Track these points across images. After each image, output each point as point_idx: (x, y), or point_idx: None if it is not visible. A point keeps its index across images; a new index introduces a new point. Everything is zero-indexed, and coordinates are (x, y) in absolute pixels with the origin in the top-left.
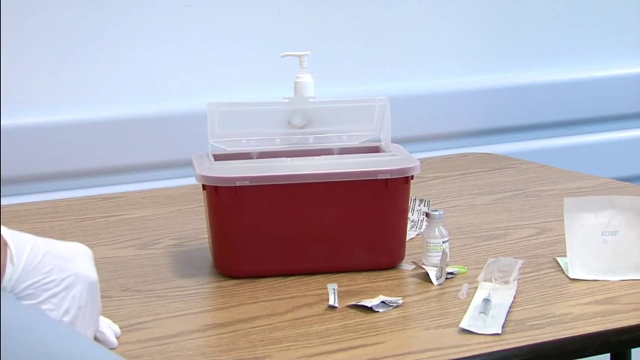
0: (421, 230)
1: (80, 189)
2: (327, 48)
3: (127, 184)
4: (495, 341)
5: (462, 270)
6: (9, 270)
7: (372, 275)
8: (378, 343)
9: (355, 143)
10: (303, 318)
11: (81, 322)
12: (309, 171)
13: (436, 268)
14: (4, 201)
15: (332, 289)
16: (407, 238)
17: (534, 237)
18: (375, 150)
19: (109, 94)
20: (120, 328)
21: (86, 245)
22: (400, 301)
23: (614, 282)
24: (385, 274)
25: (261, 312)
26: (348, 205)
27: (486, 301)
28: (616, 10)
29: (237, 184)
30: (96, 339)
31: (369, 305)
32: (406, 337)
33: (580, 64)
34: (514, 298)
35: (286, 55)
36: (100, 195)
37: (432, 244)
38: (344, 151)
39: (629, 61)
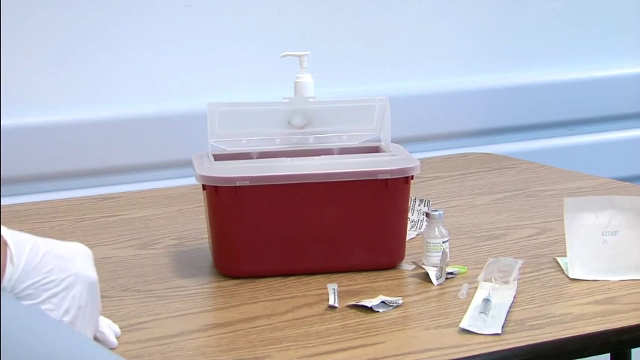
0: (421, 230)
1: (80, 189)
2: (327, 48)
3: (127, 184)
4: (495, 341)
5: (462, 270)
6: (9, 270)
7: (372, 275)
8: (378, 343)
9: (355, 143)
10: (303, 318)
11: (81, 322)
12: (309, 171)
13: (436, 268)
14: (4, 201)
15: (332, 289)
16: (407, 238)
17: (534, 237)
18: (375, 150)
19: (109, 94)
20: (120, 328)
21: (86, 245)
22: (400, 301)
23: (614, 282)
24: (385, 274)
25: (261, 312)
26: (348, 205)
27: (486, 301)
28: (616, 10)
29: (237, 184)
30: (96, 339)
31: (369, 305)
32: (406, 337)
33: (580, 64)
34: (514, 298)
35: (286, 55)
36: (100, 195)
37: (432, 244)
38: (344, 151)
39: (629, 61)
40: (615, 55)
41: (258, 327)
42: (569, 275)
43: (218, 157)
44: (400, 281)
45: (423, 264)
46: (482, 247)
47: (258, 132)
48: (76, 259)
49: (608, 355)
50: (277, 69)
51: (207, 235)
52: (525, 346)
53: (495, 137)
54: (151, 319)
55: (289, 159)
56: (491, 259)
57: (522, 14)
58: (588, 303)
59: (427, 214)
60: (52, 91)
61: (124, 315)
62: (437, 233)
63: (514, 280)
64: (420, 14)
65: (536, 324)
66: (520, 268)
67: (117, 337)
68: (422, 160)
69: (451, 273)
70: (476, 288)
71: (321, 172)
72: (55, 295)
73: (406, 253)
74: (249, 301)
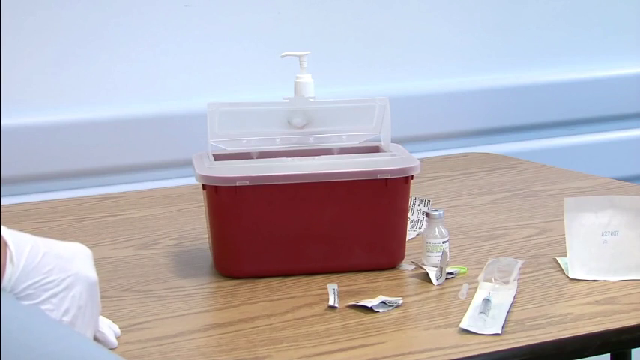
0: (421, 230)
1: (80, 189)
2: (327, 48)
3: (127, 184)
4: (495, 341)
5: (462, 270)
6: (9, 270)
7: (372, 275)
8: (378, 343)
9: (355, 143)
10: (303, 318)
11: (81, 322)
12: (309, 171)
13: (436, 268)
14: (4, 201)
15: (332, 289)
16: (407, 238)
17: (534, 237)
18: (375, 150)
19: (109, 94)
20: (120, 328)
21: (86, 245)
22: (400, 301)
23: (614, 282)
24: (385, 274)
25: (261, 312)
26: (348, 205)
27: (486, 301)
28: (616, 10)
29: (237, 184)
30: (96, 339)
31: (369, 305)
32: (406, 337)
33: (580, 64)
34: (514, 298)
35: (286, 55)
36: (100, 195)
37: (432, 244)
38: (344, 151)
39: (629, 61)
40: (615, 55)
41: (258, 327)
42: (569, 275)
43: (218, 157)
44: (400, 281)
45: (423, 264)
46: (482, 247)
47: (258, 132)
48: (76, 259)
49: (608, 355)
50: (277, 69)
51: (207, 235)
52: (525, 346)
53: (495, 137)
54: (151, 319)
55: (289, 159)
56: (491, 259)
57: (522, 14)
58: (588, 303)
59: (427, 214)
60: (52, 91)
61: (124, 315)
62: (437, 233)
63: (514, 280)
64: (420, 14)
65: (536, 324)
66: (520, 268)
67: (117, 337)
68: (422, 160)
69: (451, 273)
70: (476, 288)
71: (321, 172)
72: (55, 295)
73: (406, 253)
74: (249, 301)
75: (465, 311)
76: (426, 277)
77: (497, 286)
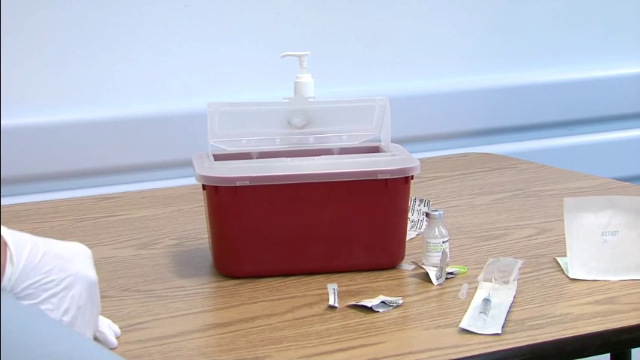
0: (421, 230)
1: (80, 189)
2: (327, 48)
3: (127, 184)
4: (495, 341)
5: (462, 270)
6: (8, 270)
7: (372, 275)
8: (378, 343)
9: (355, 143)
10: (303, 318)
11: (80, 322)
12: (309, 171)
13: (436, 268)
14: (4, 201)
15: (332, 289)
16: (407, 238)
17: (534, 237)
18: (375, 150)
19: (109, 94)
20: (120, 328)
21: (86, 245)
22: (400, 301)
23: (614, 282)
24: (385, 274)
25: (261, 312)
26: (348, 205)
27: (486, 301)
28: (616, 10)
29: (237, 184)
30: (96, 339)
31: (369, 305)
32: (406, 337)
33: (580, 64)
34: (514, 298)
35: (286, 55)
36: (100, 195)
37: (432, 244)
38: (344, 151)
39: (629, 61)
40: (615, 55)
41: (258, 327)
42: (569, 275)
43: (218, 157)
44: (400, 281)
45: (423, 264)
46: (482, 247)
47: (258, 132)
48: (75, 259)
49: (608, 355)
50: (277, 69)
51: (207, 235)
52: (525, 346)
53: (495, 137)
54: (151, 319)
55: (289, 159)
56: (491, 259)
57: (522, 14)
58: (588, 303)
59: (427, 214)
60: (52, 91)
61: (124, 315)
62: (437, 233)
63: (514, 280)
64: (420, 14)
65: (536, 324)
66: (520, 268)
67: (117, 337)
68: (422, 160)
69: (451, 273)
70: (476, 288)
71: (321, 172)
72: (54, 295)
73: (406, 253)
74: (249, 301)
75: (465, 311)
76: (426, 277)
77: (497, 286)
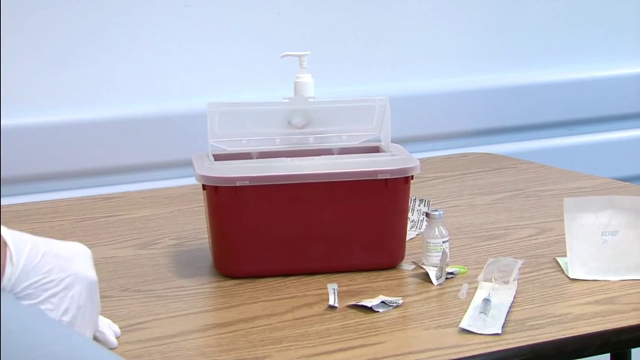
0: (421, 230)
1: (80, 189)
2: (327, 48)
3: (127, 184)
4: (495, 341)
5: (462, 270)
6: (8, 270)
7: (372, 275)
8: (378, 343)
9: (355, 143)
10: (303, 318)
11: (80, 321)
12: (309, 171)
13: (436, 268)
14: (4, 201)
15: (332, 289)
16: (407, 238)
17: (534, 237)
18: (375, 150)
19: (109, 94)
20: (120, 328)
21: (86, 245)
22: (400, 301)
23: (614, 282)
24: (385, 274)
25: (261, 312)
26: (348, 205)
27: (486, 301)
28: (616, 10)
29: (237, 184)
30: (96, 339)
31: (369, 305)
32: (406, 337)
33: (580, 64)
34: (514, 298)
35: (286, 55)
36: (100, 195)
37: (432, 244)
38: (344, 151)
39: (629, 61)
40: (615, 55)
41: (258, 327)
42: (569, 275)
43: (218, 157)
44: (400, 281)
45: (423, 264)
46: (482, 247)
47: (258, 132)
48: (75, 259)
49: (608, 355)
50: (277, 69)
51: (207, 235)
52: (525, 346)
53: (495, 137)
54: (151, 319)
55: (289, 159)
56: (491, 259)
57: (522, 14)
58: (588, 303)
59: (427, 214)
60: (52, 91)
61: (124, 315)
62: (437, 233)
63: (514, 280)
64: (420, 14)
65: (536, 324)
66: (520, 268)
67: (117, 337)
68: (422, 160)
69: (451, 273)
70: (476, 288)
71: (321, 172)
72: (54, 295)
73: (406, 253)
74: (249, 301)
75: (465, 311)
76: (426, 277)
77: (497, 286)
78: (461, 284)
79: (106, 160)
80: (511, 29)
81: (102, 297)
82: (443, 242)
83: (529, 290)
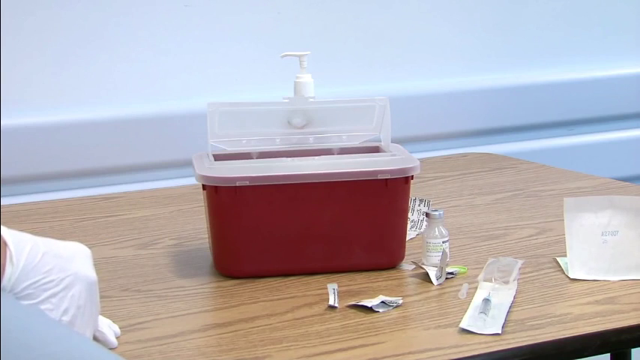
0: (421, 230)
1: (80, 189)
2: (327, 48)
3: (127, 184)
4: (495, 341)
5: (462, 270)
6: (8, 270)
7: (372, 275)
8: (378, 343)
9: (355, 143)
10: (303, 318)
11: (80, 321)
12: (309, 171)
13: (436, 268)
14: (4, 201)
15: (332, 289)
16: (407, 238)
17: (534, 237)
18: (375, 150)
19: (109, 94)
20: (120, 328)
21: (86, 245)
22: (400, 301)
23: (614, 282)
24: (385, 274)
25: (261, 312)
26: (348, 205)
27: (486, 301)
28: (616, 10)
29: (237, 184)
30: (95, 339)
31: (369, 305)
32: (406, 337)
33: (580, 64)
34: (514, 298)
35: (286, 55)
36: (100, 195)
37: (432, 244)
38: (344, 151)
39: (629, 61)
40: (615, 55)
41: (258, 327)
42: (569, 275)
43: (218, 157)
44: (400, 281)
45: (423, 264)
46: (482, 247)
47: (258, 132)
48: (75, 259)
49: (608, 355)
50: (277, 69)
51: (207, 235)
52: (525, 346)
53: (495, 137)
54: (151, 319)
55: (289, 159)
56: (491, 259)
57: (522, 14)
58: (588, 303)
59: (427, 214)
60: (52, 91)
61: (124, 315)
62: (437, 233)
63: (514, 280)
64: (420, 14)
65: (536, 324)
66: (520, 268)
67: (117, 337)
68: (422, 160)
69: (451, 273)
70: (476, 288)
71: (321, 172)
72: (54, 295)
73: (406, 253)
74: (249, 301)
75: (465, 311)
76: (426, 277)
77: (497, 286)
78: (461, 284)
79: (106, 160)
80: (511, 29)
81: (102, 297)
82: (443, 242)
83: (529, 290)
